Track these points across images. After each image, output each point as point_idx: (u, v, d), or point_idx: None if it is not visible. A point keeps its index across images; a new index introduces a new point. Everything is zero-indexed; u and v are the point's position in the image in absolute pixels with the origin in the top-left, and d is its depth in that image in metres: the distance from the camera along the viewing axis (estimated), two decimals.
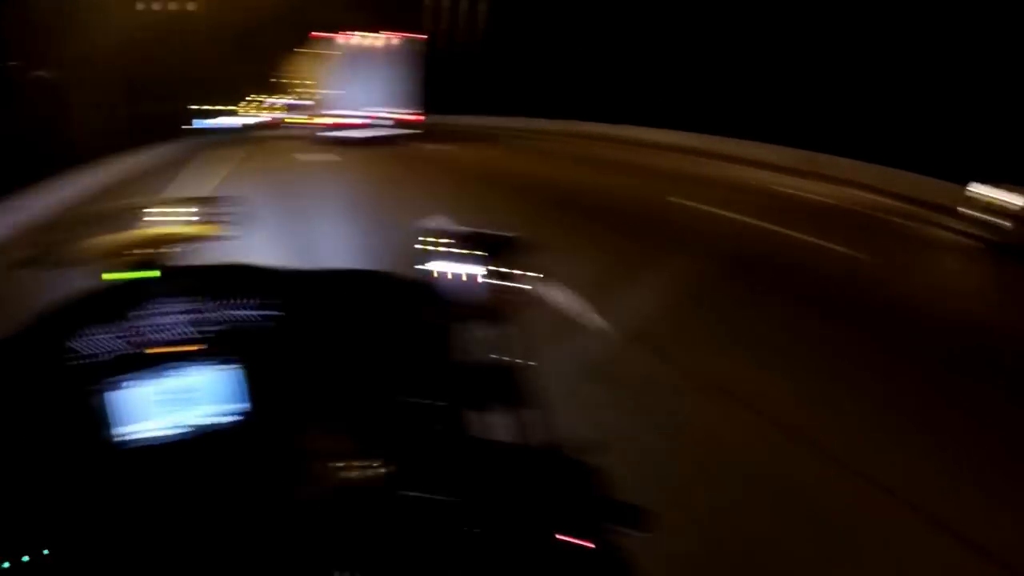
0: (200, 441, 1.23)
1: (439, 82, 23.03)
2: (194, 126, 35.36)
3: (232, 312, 1.33)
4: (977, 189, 9.10)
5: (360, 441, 1.19)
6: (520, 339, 1.33)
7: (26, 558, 1.03)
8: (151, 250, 1.44)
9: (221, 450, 1.23)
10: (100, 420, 1.20)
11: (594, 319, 4.98)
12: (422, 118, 21.88)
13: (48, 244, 1.45)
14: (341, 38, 21.41)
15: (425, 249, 1.42)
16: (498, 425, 1.25)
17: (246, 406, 1.26)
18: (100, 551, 1.07)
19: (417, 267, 1.40)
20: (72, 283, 1.41)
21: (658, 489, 2.43)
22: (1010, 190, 8.58)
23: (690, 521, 2.70)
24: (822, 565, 2.67)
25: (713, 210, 9.90)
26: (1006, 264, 7.99)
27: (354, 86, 21.08)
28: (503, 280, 1.37)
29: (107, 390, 1.21)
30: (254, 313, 1.34)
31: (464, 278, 1.38)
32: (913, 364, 4.65)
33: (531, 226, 7.13)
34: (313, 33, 21.97)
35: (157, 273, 1.39)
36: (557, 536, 0.98)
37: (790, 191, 12.21)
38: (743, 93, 18.26)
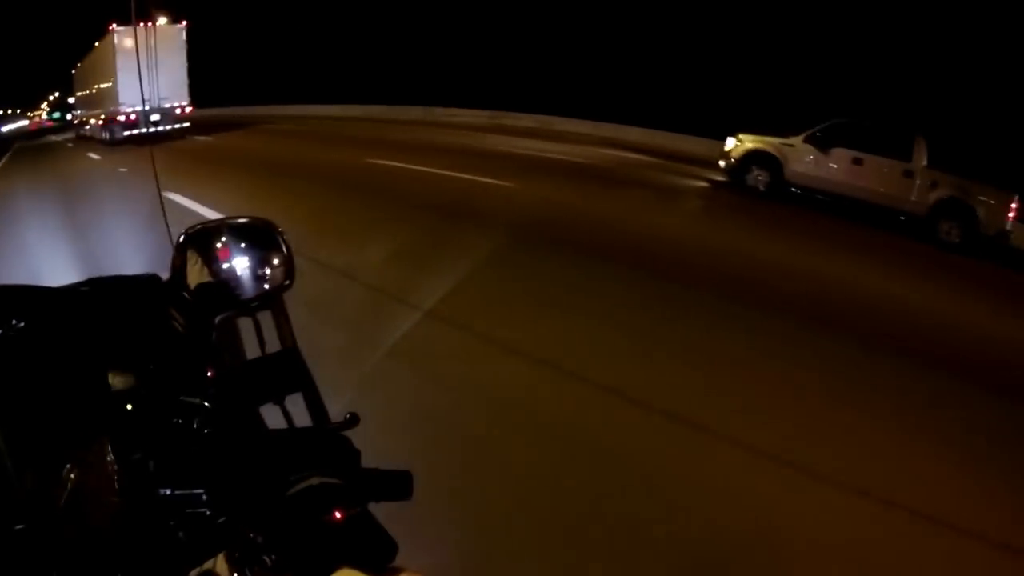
0: None
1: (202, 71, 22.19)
2: None
3: None
4: (729, 142, 11.13)
5: (111, 443, 1.07)
6: (282, 323, 1.31)
7: None
8: None
9: None
10: None
11: None
12: (191, 110, 21.15)
13: None
14: (120, 27, 20.01)
15: (181, 242, 1.32)
16: (266, 414, 1.22)
17: None
18: None
19: (172, 262, 1.31)
20: None
21: None
22: (742, 139, 10.89)
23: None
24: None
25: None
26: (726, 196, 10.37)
27: (132, 78, 19.88)
28: (260, 263, 1.32)
29: None
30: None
31: (223, 269, 1.32)
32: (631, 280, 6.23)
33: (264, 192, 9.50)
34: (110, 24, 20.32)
35: None
36: (323, 516, 0.93)
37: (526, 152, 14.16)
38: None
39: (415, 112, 23.08)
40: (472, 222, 7.88)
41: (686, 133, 13.92)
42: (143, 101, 19.64)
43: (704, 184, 11.22)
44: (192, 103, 21.16)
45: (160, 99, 20.02)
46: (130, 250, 6.62)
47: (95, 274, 1.35)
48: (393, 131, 19.56)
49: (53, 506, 0.99)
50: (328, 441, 1.06)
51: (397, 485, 1.01)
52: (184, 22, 20.68)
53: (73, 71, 29.31)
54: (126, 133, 19.63)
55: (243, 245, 1.33)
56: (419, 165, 11.73)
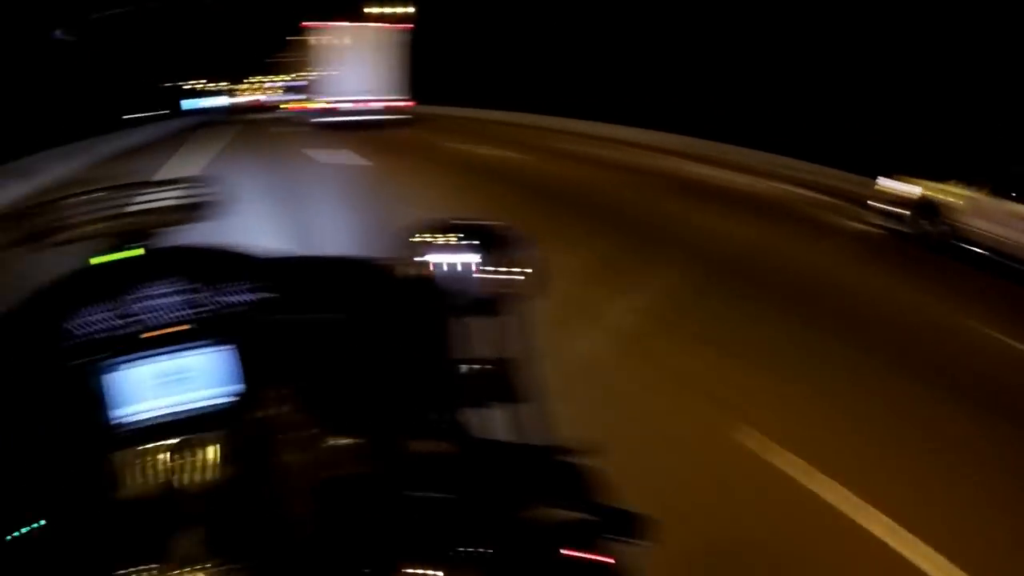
0: (194, 423, 1.25)
1: (424, 71, 24.00)
2: (183, 106, 36.72)
3: (224, 295, 1.35)
4: (885, 182, 9.43)
5: (355, 432, 1.17)
6: (517, 332, 1.31)
7: (24, 530, 1.05)
8: (139, 231, 1.43)
9: (215, 432, 1.24)
10: (96, 401, 1.23)
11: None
12: (411, 104, 22.45)
13: (35, 225, 1.41)
14: (334, 25, 22.07)
15: (420, 240, 1.38)
16: (496, 421, 1.22)
17: (240, 388, 1.28)
18: (94, 527, 1.10)
19: (413, 258, 1.36)
20: (61, 264, 1.43)
21: None
22: (911, 182, 9.01)
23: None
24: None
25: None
26: (902, 251, 8.40)
27: (346, 72, 21.70)
28: (498, 272, 1.32)
29: (103, 372, 1.23)
30: (246, 296, 1.36)
31: (460, 270, 1.34)
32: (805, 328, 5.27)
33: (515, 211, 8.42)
34: (304, 22, 22.59)
35: (141, 252, 1.39)
36: (562, 550, 0.94)
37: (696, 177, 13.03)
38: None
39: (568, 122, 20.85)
40: (666, 256, 7.02)
41: (822, 163, 13.00)
42: (354, 92, 21.60)
43: (867, 227, 9.44)
44: (411, 98, 22.44)
45: (370, 91, 21.75)
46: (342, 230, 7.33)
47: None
48: (557, 139, 18.06)
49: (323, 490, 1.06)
50: (567, 468, 1.01)
51: (632, 525, 0.95)
52: (406, 23, 22.53)
53: (287, 58, 32.98)
54: (336, 119, 21.57)
55: (487, 248, 1.33)
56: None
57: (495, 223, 1.38)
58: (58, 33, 17.55)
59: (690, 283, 6.14)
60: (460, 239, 1.36)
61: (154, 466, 1.17)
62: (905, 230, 8.80)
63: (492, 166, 13.77)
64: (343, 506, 1.07)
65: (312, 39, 23.00)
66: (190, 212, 1.46)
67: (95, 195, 1.43)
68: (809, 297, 5.99)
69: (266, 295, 1.36)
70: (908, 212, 8.84)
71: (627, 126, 19.22)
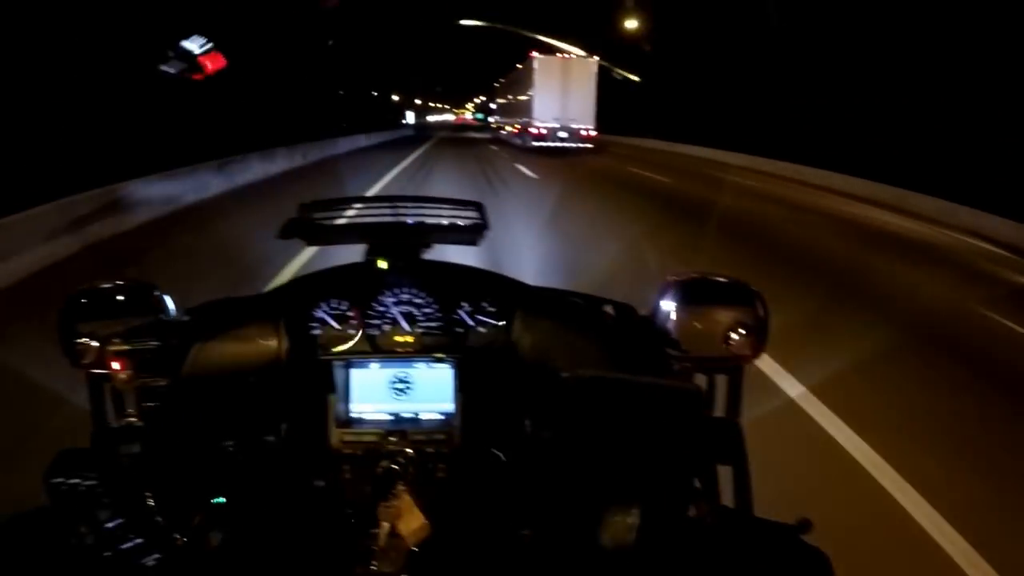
0: (411, 432, 1.31)
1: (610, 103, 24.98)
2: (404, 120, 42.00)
3: (460, 313, 1.42)
4: None
5: (575, 475, 1.14)
6: (734, 391, 1.28)
7: (222, 500, 1.13)
8: (402, 241, 1.46)
9: (428, 444, 1.29)
10: (333, 390, 1.34)
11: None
12: (597, 135, 24.15)
13: (312, 219, 1.44)
14: (541, 54, 24.30)
15: (665, 286, 1.35)
16: (712, 482, 1.17)
17: (458, 406, 1.35)
18: (312, 513, 1.15)
19: (659, 306, 1.33)
20: (328, 259, 1.53)
21: None
22: None
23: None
24: None
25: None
26: None
27: (547, 96, 23.77)
28: (739, 331, 1.27)
29: (342, 365, 1.36)
30: (478, 317, 1.43)
31: (699, 325, 1.30)
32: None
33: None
34: (531, 52, 24.80)
35: (395, 263, 1.44)
36: None
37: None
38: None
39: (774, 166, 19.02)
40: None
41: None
42: (554, 119, 23.57)
43: None
44: (597, 129, 24.21)
45: (568, 120, 23.56)
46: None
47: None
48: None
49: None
50: (793, 547, 0.95)
51: None
52: (596, 57, 24.13)
53: (496, 84, 35.78)
54: (535, 144, 23.57)
55: (721, 304, 1.31)
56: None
57: (734, 279, 1.35)
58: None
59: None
60: (704, 293, 1.34)
61: (375, 470, 1.18)
62: None
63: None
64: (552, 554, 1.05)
65: (520, 67, 24.92)
66: (461, 234, 1.48)
67: (377, 202, 1.48)
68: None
69: (502, 320, 1.41)
70: None
71: (808, 165, 18.71)
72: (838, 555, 0.96)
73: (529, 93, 24.39)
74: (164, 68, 9.72)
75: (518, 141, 25.55)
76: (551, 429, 1.27)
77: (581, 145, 23.78)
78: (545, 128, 23.73)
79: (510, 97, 29.39)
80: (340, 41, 26.21)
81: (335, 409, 1.35)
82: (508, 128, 28.69)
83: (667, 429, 1.17)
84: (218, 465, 1.24)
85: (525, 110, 24.84)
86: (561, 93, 23.70)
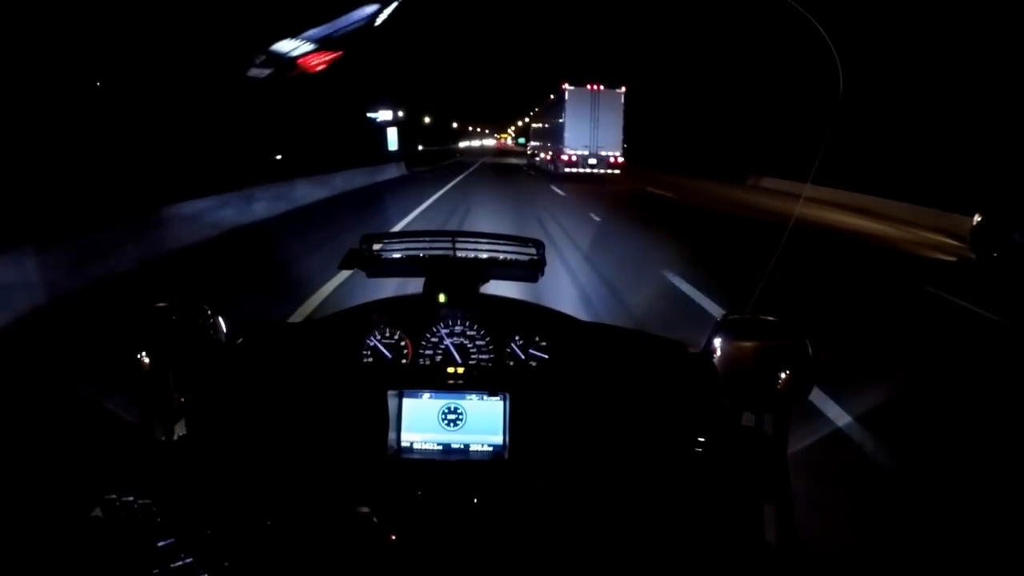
0: (461, 466, 1.32)
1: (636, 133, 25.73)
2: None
3: (512, 347, 1.44)
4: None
5: (608, 508, 1.14)
6: (785, 433, 1.28)
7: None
8: (461, 276, 1.49)
9: (477, 477, 1.29)
10: (383, 420, 1.34)
11: None
12: (624, 163, 25.14)
13: (372, 252, 1.48)
14: (572, 85, 25.17)
15: (718, 324, 1.35)
16: (757, 518, 1.18)
17: (506, 440, 1.35)
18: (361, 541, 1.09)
19: (709, 344, 1.35)
20: (384, 290, 1.58)
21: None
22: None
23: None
24: None
25: None
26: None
27: (578, 125, 24.81)
28: (786, 370, 1.26)
29: (394, 395, 1.37)
30: (530, 351, 1.44)
31: (747, 364, 1.30)
32: None
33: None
34: (563, 83, 25.57)
35: (453, 297, 1.46)
36: None
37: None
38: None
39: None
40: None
41: None
42: (584, 147, 24.55)
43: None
44: (624, 157, 25.30)
45: (598, 147, 24.59)
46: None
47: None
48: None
49: None
50: None
51: None
52: (623, 88, 25.06)
53: (531, 112, 36.98)
54: (567, 170, 24.61)
55: (769, 343, 1.30)
56: None
57: (782, 319, 1.34)
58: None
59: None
60: (752, 332, 1.33)
61: (424, 500, 1.19)
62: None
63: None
64: None
65: (553, 97, 25.93)
66: (519, 270, 1.49)
67: (438, 236, 1.49)
68: None
69: (553, 355, 1.43)
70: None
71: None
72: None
73: (561, 121, 25.31)
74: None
75: (551, 168, 26.45)
76: (569, 365, 1.37)
77: (609, 171, 24.72)
78: (576, 155, 24.66)
79: (544, 125, 30.42)
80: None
81: (386, 438, 1.36)
82: (541, 155, 29.66)
83: (657, 370, 1.29)
84: (267, 488, 1.23)
85: (558, 137, 25.77)
86: (591, 122, 24.58)
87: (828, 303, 6.91)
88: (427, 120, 53.03)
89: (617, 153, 24.86)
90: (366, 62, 25.47)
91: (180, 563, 0.91)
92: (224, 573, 0.95)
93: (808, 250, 10.06)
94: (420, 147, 40.34)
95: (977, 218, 10.46)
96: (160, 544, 0.92)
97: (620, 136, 24.89)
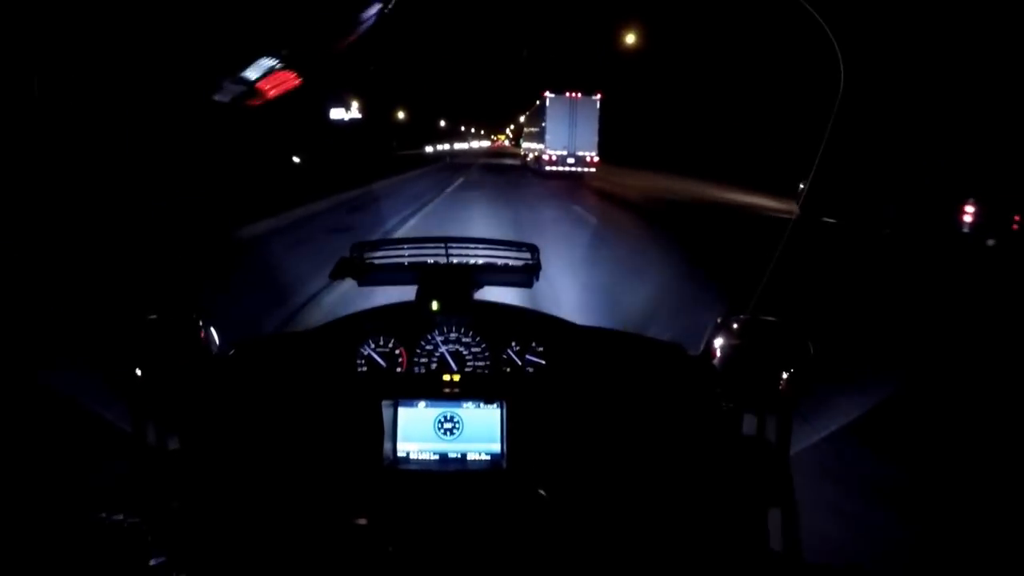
0: (459, 476, 1.29)
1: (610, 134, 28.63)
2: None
3: (508, 353, 1.43)
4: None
5: (604, 513, 1.13)
6: (787, 435, 1.27)
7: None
8: (454, 283, 1.46)
9: (475, 487, 1.27)
10: (379, 430, 1.32)
11: None
12: (598, 161, 28.40)
13: (364, 260, 1.45)
14: (552, 93, 28.10)
15: (718, 324, 1.36)
16: (761, 526, 1.17)
17: (504, 448, 1.33)
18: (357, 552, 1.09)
19: (708, 346, 1.36)
20: (375, 299, 1.51)
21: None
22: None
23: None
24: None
25: None
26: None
27: (558, 128, 27.81)
28: (788, 371, 1.27)
29: (389, 404, 1.35)
30: (526, 358, 1.43)
31: (748, 365, 1.30)
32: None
33: None
34: (544, 91, 28.67)
35: (447, 304, 1.44)
36: None
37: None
38: None
39: None
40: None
41: None
42: (563, 148, 27.52)
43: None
44: (600, 157, 28.19)
45: (575, 148, 27.53)
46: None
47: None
48: None
49: None
50: None
51: None
52: (599, 95, 27.72)
53: (522, 117, 39.74)
54: (548, 168, 27.75)
55: (770, 344, 1.31)
56: None
57: (783, 320, 1.34)
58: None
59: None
60: (752, 332, 1.33)
61: (421, 510, 1.17)
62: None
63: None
64: None
65: (539, 103, 28.99)
66: (513, 275, 1.48)
67: (430, 242, 1.48)
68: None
69: (551, 361, 1.41)
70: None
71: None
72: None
73: (543, 125, 28.18)
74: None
75: (535, 166, 29.59)
76: (565, 370, 1.37)
77: (586, 170, 27.80)
78: (556, 155, 27.61)
79: (531, 128, 33.18)
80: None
81: (381, 448, 1.35)
82: (531, 155, 32.42)
83: (656, 374, 1.32)
84: (262, 502, 1.21)
85: (540, 140, 28.64)
86: (569, 126, 27.42)
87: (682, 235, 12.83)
88: (401, 116, 49.59)
89: (593, 153, 27.82)
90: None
91: None
92: None
93: (691, 215, 17.85)
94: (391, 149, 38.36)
95: (801, 185, 15.21)
96: (152, 563, 0.89)
97: (595, 138, 27.78)
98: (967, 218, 12.54)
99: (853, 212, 14.22)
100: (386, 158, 33.26)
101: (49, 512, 0.93)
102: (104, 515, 0.92)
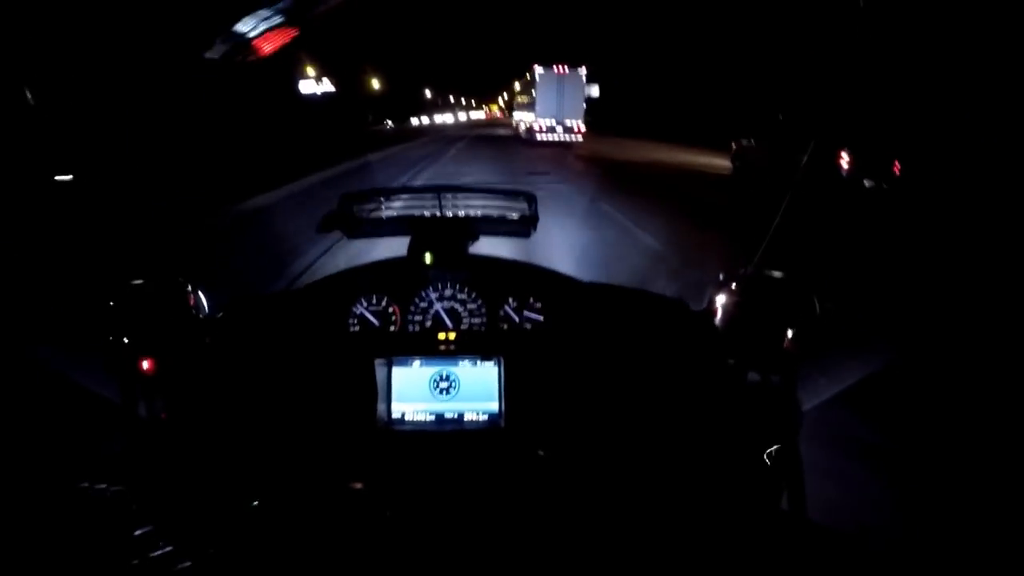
0: (456, 436, 1.27)
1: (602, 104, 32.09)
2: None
3: (505, 309, 1.38)
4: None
5: (604, 472, 1.10)
6: (791, 389, 1.25)
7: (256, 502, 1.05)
8: (448, 235, 1.39)
9: (473, 447, 1.25)
10: (372, 391, 1.28)
11: None
12: (584, 129, 30.95)
13: (353, 213, 1.40)
14: (542, 67, 31.03)
15: (722, 281, 1.33)
16: (772, 488, 1.14)
17: (502, 407, 1.30)
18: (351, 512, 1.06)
19: (711, 302, 1.34)
20: (368, 253, 1.45)
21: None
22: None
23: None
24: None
25: None
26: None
27: (547, 100, 30.54)
28: (793, 328, 1.24)
29: (383, 364, 1.31)
30: (524, 313, 1.39)
31: (752, 322, 1.27)
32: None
33: None
34: (533, 64, 30.92)
35: (440, 257, 1.39)
36: None
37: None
38: None
39: None
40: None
41: None
42: (552, 117, 30.60)
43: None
44: (587, 125, 30.87)
45: (563, 118, 30.55)
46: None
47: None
48: None
49: None
50: (849, 554, 0.94)
51: None
52: (584, 68, 30.97)
53: (517, 84, 42.75)
54: (539, 136, 30.80)
55: (775, 300, 1.28)
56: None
57: (789, 276, 1.31)
58: None
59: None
60: (761, 289, 1.30)
61: (417, 472, 1.14)
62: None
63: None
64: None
65: (529, 76, 32.26)
66: (510, 226, 1.42)
67: (422, 193, 1.41)
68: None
69: (549, 316, 1.36)
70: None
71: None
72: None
73: (533, 97, 30.90)
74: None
75: (526, 135, 32.75)
76: (570, 327, 1.32)
77: (573, 137, 30.88)
78: (545, 124, 30.57)
79: (522, 100, 36.56)
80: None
81: (375, 409, 1.32)
82: (523, 125, 35.87)
83: (657, 330, 1.28)
84: (251, 467, 1.18)
85: (531, 110, 31.53)
86: (557, 97, 30.32)
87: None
88: (376, 86, 45.89)
89: (579, 121, 30.68)
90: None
91: (160, 552, 0.86)
92: (209, 560, 0.89)
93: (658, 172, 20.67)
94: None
95: (733, 145, 18.81)
96: (137, 533, 0.87)
97: (582, 107, 30.56)
98: (844, 164, 15.71)
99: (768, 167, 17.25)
100: (355, 136, 30.49)
101: (32, 483, 0.93)
102: (87, 484, 0.91)
